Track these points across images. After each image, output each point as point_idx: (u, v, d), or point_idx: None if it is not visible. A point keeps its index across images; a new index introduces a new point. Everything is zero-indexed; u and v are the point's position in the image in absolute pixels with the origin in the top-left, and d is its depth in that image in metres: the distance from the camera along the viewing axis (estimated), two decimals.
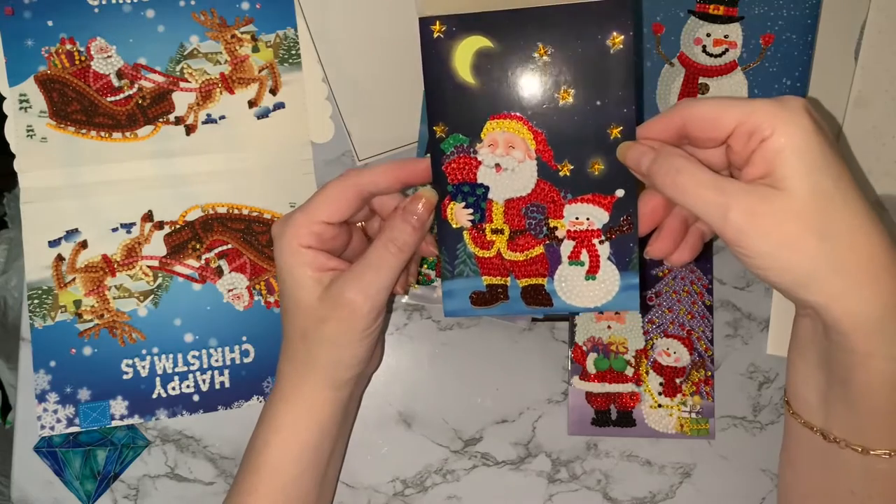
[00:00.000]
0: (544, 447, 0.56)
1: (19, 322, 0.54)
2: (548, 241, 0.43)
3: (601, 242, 0.43)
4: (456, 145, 0.43)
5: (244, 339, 0.54)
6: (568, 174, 0.42)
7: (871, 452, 0.39)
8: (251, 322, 0.54)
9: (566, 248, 0.43)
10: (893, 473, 0.40)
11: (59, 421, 0.52)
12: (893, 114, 0.54)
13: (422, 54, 0.41)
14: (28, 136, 0.52)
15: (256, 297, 0.54)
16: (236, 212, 0.54)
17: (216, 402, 0.53)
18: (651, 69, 0.53)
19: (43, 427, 0.52)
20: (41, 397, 0.52)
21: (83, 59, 0.53)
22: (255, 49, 0.54)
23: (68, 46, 0.53)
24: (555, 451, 0.56)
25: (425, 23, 0.41)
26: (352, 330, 0.43)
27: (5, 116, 0.52)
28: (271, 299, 0.54)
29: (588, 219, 0.42)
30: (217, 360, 0.54)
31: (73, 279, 0.52)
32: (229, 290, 0.54)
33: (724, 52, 0.53)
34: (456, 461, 0.55)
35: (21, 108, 0.52)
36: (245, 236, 0.54)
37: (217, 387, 0.54)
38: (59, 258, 0.52)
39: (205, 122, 0.54)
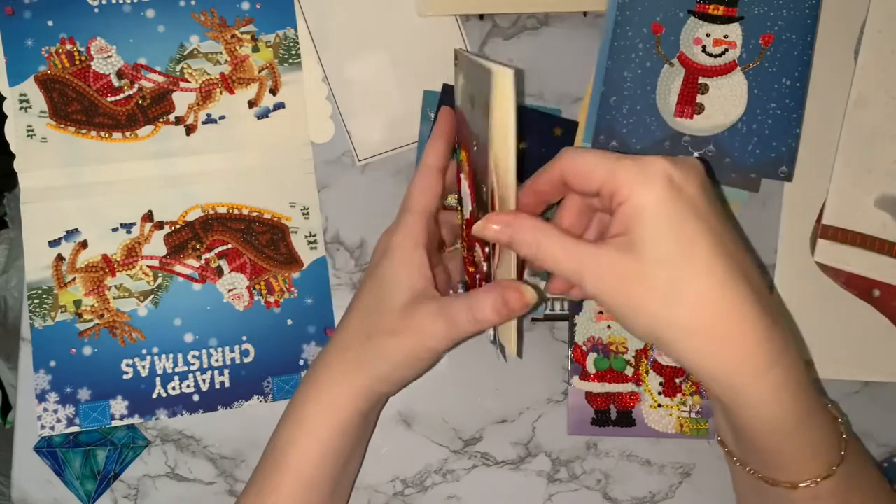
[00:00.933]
0: (544, 447, 0.56)
1: (19, 322, 0.54)
2: (474, 267, 0.47)
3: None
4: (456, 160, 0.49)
5: (244, 339, 0.54)
6: (478, 214, 0.44)
7: (780, 485, 0.41)
8: (251, 322, 0.54)
9: (478, 277, 0.47)
10: (808, 502, 0.41)
11: (59, 421, 0.52)
12: (893, 114, 0.54)
13: None
14: (28, 136, 0.52)
15: (256, 297, 0.54)
16: (236, 212, 0.54)
17: (216, 401, 0.54)
18: (651, 69, 0.53)
19: (43, 427, 0.52)
20: (41, 397, 0.52)
21: (83, 59, 0.53)
22: (255, 49, 0.54)
23: (68, 46, 0.53)
24: (555, 451, 0.56)
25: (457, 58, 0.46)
26: (415, 356, 0.44)
27: (5, 116, 0.52)
28: (271, 299, 0.54)
29: (479, 261, 0.45)
30: (217, 360, 0.54)
31: (73, 279, 0.52)
32: (229, 290, 0.54)
33: (723, 53, 0.53)
34: (456, 461, 0.55)
35: (21, 108, 0.52)
36: (245, 236, 0.54)
37: (217, 387, 0.54)
38: (59, 258, 0.52)
39: (205, 122, 0.54)
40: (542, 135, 0.54)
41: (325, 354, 0.48)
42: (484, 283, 0.44)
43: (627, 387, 0.55)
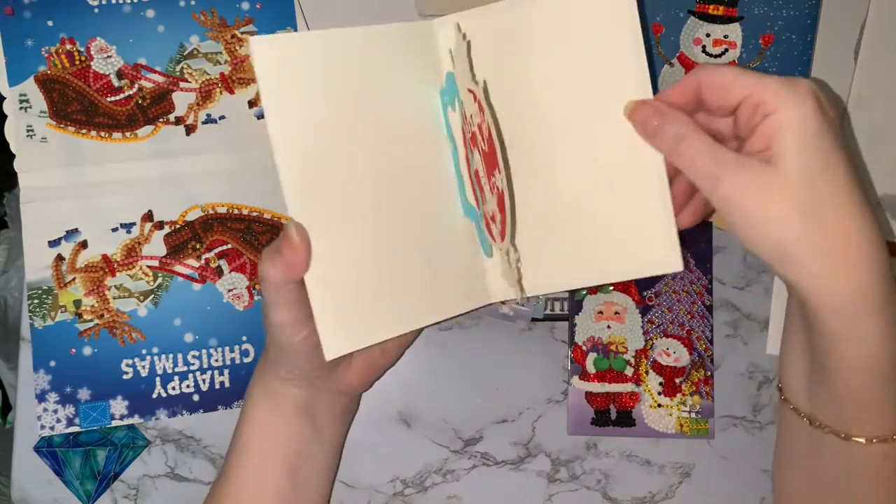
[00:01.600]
0: (544, 447, 0.56)
1: (19, 322, 0.54)
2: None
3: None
4: None
5: (244, 338, 0.54)
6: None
7: (852, 439, 0.40)
8: (251, 322, 0.54)
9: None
10: (875, 459, 0.40)
11: (59, 421, 0.52)
12: (893, 114, 0.54)
13: None
14: (28, 136, 0.52)
15: (256, 297, 0.54)
16: (236, 212, 0.54)
17: (216, 401, 0.54)
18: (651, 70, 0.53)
19: (43, 427, 0.52)
20: (41, 397, 0.52)
21: (83, 59, 0.53)
22: None
23: (68, 46, 0.53)
24: (554, 451, 0.56)
25: None
26: (269, 320, 0.43)
27: (5, 116, 0.52)
28: None
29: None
30: (217, 360, 0.54)
31: (73, 279, 0.52)
32: (229, 290, 0.54)
33: (723, 53, 0.53)
34: (456, 461, 0.55)
35: (21, 108, 0.52)
36: (245, 236, 0.54)
37: (217, 387, 0.54)
38: (59, 258, 0.52)
39: (205, 122, 0.54)
40: None
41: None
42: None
43: (627, 387, 0.55)
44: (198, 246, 0.54)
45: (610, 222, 0.41)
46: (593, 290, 0.55)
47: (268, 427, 0.46)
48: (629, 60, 0.38)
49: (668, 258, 0.39)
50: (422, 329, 0.49)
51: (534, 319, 0.56)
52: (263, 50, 0.38)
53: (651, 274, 0.40)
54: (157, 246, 0.53)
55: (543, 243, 0.43)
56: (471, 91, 0.40)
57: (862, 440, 0.39)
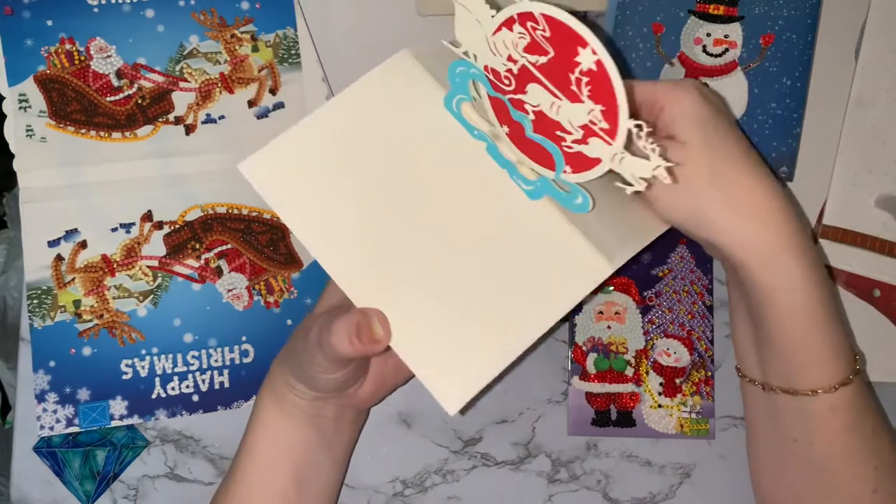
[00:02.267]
0: (544, 447, 0.56)
1: (19, 322, 0.54)
2: None
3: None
4: None
5: (244, 339, 0.54)
6: None
7: (799, 393, 0.43)
8: (251, 322, 0.54)
9: None
10: (824, 413, 0.43)
11: (58, 421, 0.52)
12: (893, 114, 0.54)
13: None
14: (27, 135, 0.52)
15: (256, 297, 0.54)
16: (236, 212, 0.54)
17: (216, 402, 0.53)
18: (651, 69, 0.53)
19: (42, 427, 0.52)
20: (40, 397, 0.52)
21: (83, 58, 0.53)
22: (255, 49, 0.54)
23: (68, 46, 0.53)
24: (555, 452, 0.56)
25: None
26: (309, 363, 0.43)
27: (5, 116, 0.52)
28: (271, 299, 0.54)
29: None
30: (216, 361, 0.54)
31: (73, 279, 0.52)
32: (229, 290, 0.54)
33: (724, 52, 0.53)
34: (456, 461, 0.55)
35: (20, 108, 0.52)
36: (245, 236, 0.54)
37: (216, 387, 0.53)
38: (59, 258, 0.52)
39: (204, 122, 0.54)
40: None
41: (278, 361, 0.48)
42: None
43: (627, 387, 0.55)
44: (197, 246, 0.54)
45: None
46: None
47: (277, 433, 0.46)
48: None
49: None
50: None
51: None
52: (253, 172, 0.39)
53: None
54: (156, 246, 0.53)
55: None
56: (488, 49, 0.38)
57: (809, 393, 0.43)
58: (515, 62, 0.37)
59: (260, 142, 0.54)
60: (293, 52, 0.55)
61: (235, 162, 0.55)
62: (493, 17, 0.37)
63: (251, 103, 0.54)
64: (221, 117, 0.54)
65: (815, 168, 0.55)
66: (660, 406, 0.55)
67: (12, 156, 0.52)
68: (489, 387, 0.40)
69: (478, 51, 0.38)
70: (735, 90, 0.53)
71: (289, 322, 0.54)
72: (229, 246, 0.54)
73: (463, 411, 0.42)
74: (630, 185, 0.36)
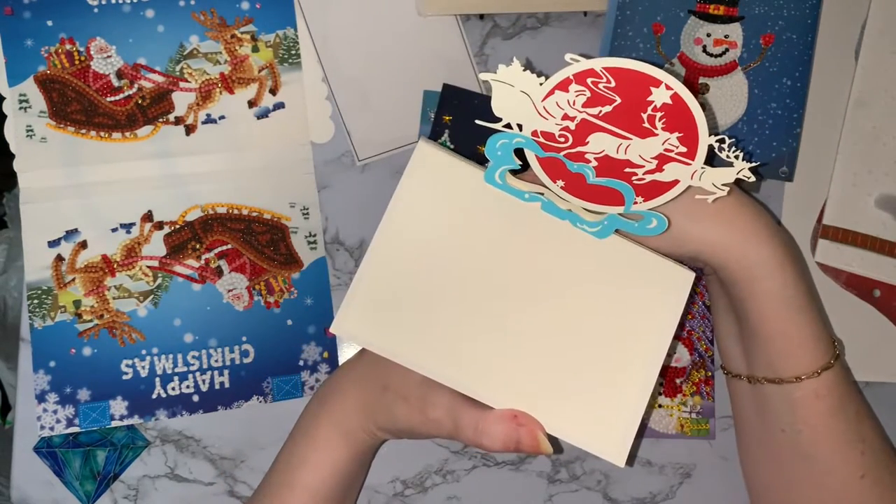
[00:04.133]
0: None
1: (19, 322, 0.54)
2: None
3: None
4: None
5: (244, 339, 0.54)
6: None
7: (784, 381, 0.45)
8: (251, 322, 0.54)
9: None
10: (809, 399, 0.44)
11: (58, 421, 0.52)
12: (893, 114, 0.54)
13: None
14: (28, 136, 0.52)
15: (256, 298, 0.54)
16: (236, 212, 0.54)
17: (216, 402, 0.53)
18: None
19: (42, 427, 0.52)
20: (41, 397, 0.52)
21: (83, 59, 0.53)
22: (255, 49, 0.54)
23: (68, 46, 0.53)
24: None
25: None
26: (419, 431, 0.44)
27: (5, 116, 0.52)
28: (271, 300, 0.54)
29: None
30: (217, 361, 0.54)
31: (73, 279, 0.52)
32: (229, 291, 0.54)
33: (724, 52, 0.53)
34: (456, 461, 0.55)
35: (21, 108, 0.52)
36: (245, 236, 0.54)
37: (217, 387, 0.53)
38: (59, 258, 0.52)
39: (204, 122, 0.54)
40: None
41: (340, 380, 0.48)
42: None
43: None
44: (197, 246, 0.54)
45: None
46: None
47: (339, 466, 0.47)
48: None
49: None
50: None
51: None
52: (344, 330, 0.40)
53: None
54: (156, 246, 0.53)
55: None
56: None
57: (793, 380, 0.44)
58: (573, 118, 0.38)
59: (260, 142, 0.54)
60: (293, 52, 0.55)
61: (236, 162, 0.55)
62: (541, 84, 0.37)
63: (251, 103, 0.54)
64: (221, 117, 0.54)
65: (815, 168, 0.55)
66: (660, 406, 0.55)
67: (12, 156, 0.52)
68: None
69: (523, 119, 0.39)
70: (735, 90, 0.53)
71: (289, 322, 0.54)
72: (229, 246, 0.54)
73: (629, 462, 0.44)
74: (712, 192, 0.39)
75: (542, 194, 0.42)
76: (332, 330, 0.41)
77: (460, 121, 0.54)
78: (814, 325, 0.45)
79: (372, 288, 0.41)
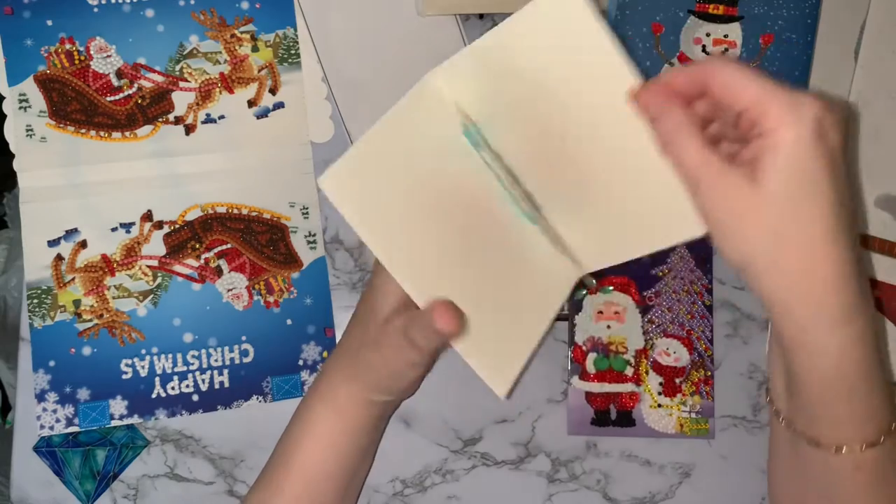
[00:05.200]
0: (544, 447, 0.56)
1: (19, 322, 0.54)
2: None
3: None
4: None
5: (243, 338, 0.54)
6: None
7: (822, 445, 0.40)
8: (250, 322, 0.54)
9: None
10: (849, 471, 0.41)
11: (58, 421, 0.52)
12: (893, 114, 0.54)
13: None
14: (28, 135, 0.52)
15: (256, 297, 0.54)
16: (236, 211, 0.54)
17: (215, 401, 0.53)
18: (650, 69, 0.53)
19: (42, 427, 0.52)
20: (40, 397, 0.52)
21: (82, 58, 0.53)
22: (255, 49, 0.54)
23: (68, 46, 0.53)
24: (554, 451, 0.56)
25: None
26: (397, 369, 0.44)
27: (5, 116, 0.52)
28: (270, 299, 0.54)
29: None
30: (216, 360, 0.54)
31: (73, 279, 0.52)
32: (229, 290, 0.54)
33: (723, 52, 0.53)
34: (455, 461, 0.55)
35: (20, 108, 0.52)
36: (244, 236, 0.54)
37: (216, 386, 0.53)
38: (59, 258, 0.52)
39: (204, 122, 0.54)
40: None
41: (327, 362, 0.49)
42: None
43: (627, 387, 0.55)
44: (197, 246, 0.54)
45: (641, 201, 0.42)
46: (592, 290, 0.55)
47: (339, 447, 0.47)
48: (610, 55, 0.39)
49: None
50: None
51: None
52: (332, 184, 0.41)
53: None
54: (156, 246, 0.53)
55: (591, 225, 0.45)
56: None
57: (832, 448, 0.40)
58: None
59: (259, 142, 0.54)
60: (293, 52, 0.55)
61: (235, 162, 0.55)
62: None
63: (251, 103, 0.54)
64: (221, 117, 0.54)
65: None
66: (659, 406, 0.55)
67: (12, 156, 0.52)
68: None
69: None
70: None
71: (288, 322, 0.54)
72: (229, 246, 0.54)
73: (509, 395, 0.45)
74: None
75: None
76: (319, 181, 0.41)
77: None
78: (870, 402, 0.39)
79: (369, 152, 0.41)
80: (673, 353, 0.55)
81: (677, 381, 0.55)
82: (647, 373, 0.55)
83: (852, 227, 0.37)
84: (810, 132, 0.35)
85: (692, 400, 0.55)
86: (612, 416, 0.55)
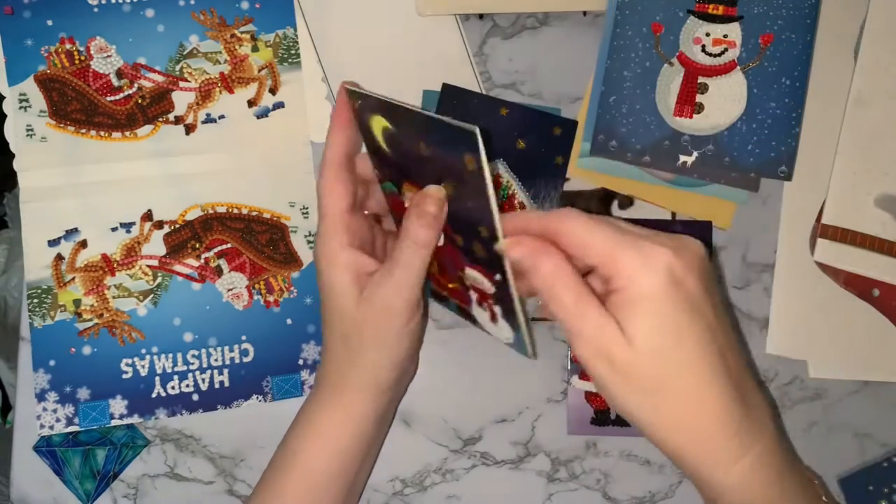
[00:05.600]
0: (544, 446, 0.56)
1: (19, 322, 0.54)
2: (459, 284, 0.47)
3: (494, 304, 0.45)
4: (389, 190, 0.47)
5: (243, 338, 0.54)
6: (461, 244, 0.43)
7: None
8: (250, 321, 0.54)
9: (472, 294, 0.46)
10: None
11: (58, 420, 0.52)
12: (893, 114, 0.54)
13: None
14: (28, 135, 0.53)
15: (256, 297, 0.54)
16: (236, 211, 0.54)
17: (216, 401, 0.54)
18: (650, 69, 0.53)
19: (42, 426, 0.52)
20: (41, 396, 0.52)
21: (83, 58, 0.53)
22: (255, 49, 0.54)
23: (68, 46, 0.53)
24: (554, 451, 0.56)
25: (350, 96, 0.44)
26: (390, 329, 0.44)
27: (5, 116, 0.53)
28: (270, 299, 0.54)
29: (481, 284, 0.44)
30: (216, 360, 0.54)
31: (73, 279, 0.52)
32: (229, 290, 0.54)
33: (723, 52, 0.53)
34: (455, 460, 0.55)
35: (21, 108, 0.52)
36: (244, 236, 0.54)
37: (216, 386, 0.54)
38: (59, 258, 0.52)
39: (204, 122, 0.54)
40: (540, 134, 0.54)
41: (320, 367, 0.49)
42: (490, 304, 0.45)
43: None
44: (197, 245, 0.54)
45: None
46: None
47: (338, 447, 0.47)
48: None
49: None
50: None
51: (533, 319, 0.56)
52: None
53: None
54: (156, 245, 0.53)
55: None
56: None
57: None
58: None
59: (260, 142, 0.54)
60: (293, 51, 0.55)
61: (236, 162, 0.55)
62: None
63: (251, 103, 0.54)
64: (221, 117, 0.54)
65: (814, 168, 0.55)
66: None
67: (12, 156, 0.53)
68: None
69: None
70: (734, 90, 0.53)
71: (288, 321, 0.54)
72: (229, 245, 0.54)
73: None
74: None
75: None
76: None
77: (459, 120, 0.53)
78: None
79: None
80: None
81: None
82: None
83: (730, 366, 0.37)
84: (663, 283, 0.35)
85: None
86: (612, 415, 0.55)
